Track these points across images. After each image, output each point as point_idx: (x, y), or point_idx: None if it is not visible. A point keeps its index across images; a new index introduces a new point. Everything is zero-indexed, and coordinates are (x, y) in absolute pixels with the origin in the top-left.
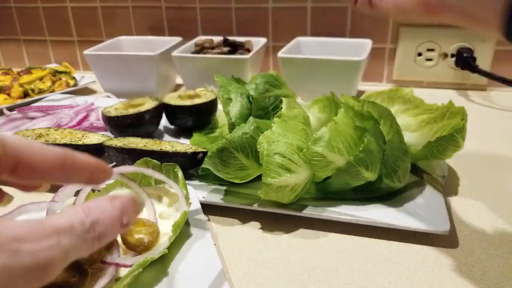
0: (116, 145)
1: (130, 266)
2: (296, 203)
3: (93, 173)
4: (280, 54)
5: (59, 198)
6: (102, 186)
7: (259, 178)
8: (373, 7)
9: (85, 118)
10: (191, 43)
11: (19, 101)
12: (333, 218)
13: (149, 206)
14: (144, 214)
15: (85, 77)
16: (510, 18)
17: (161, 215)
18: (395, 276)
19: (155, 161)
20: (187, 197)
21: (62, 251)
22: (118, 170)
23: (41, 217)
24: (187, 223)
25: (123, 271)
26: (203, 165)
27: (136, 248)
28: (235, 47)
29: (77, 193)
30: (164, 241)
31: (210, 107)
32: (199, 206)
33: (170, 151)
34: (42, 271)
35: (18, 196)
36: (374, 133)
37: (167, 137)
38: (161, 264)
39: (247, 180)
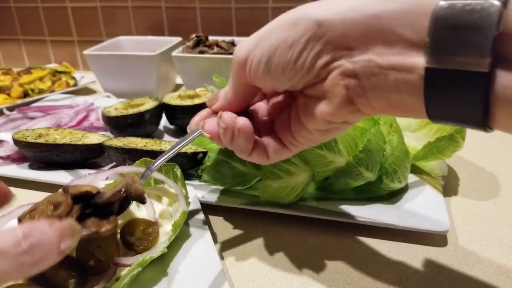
0: (116, 145)
1: (130, 265)
2: (297, 203)
3: None
4: None
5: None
6: (103, 185)
7: (259, 178)
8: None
9: (85, 118)
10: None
11: (19, 101)
12: (333, 218)
13: (148, 206)
14: (144, 214)
15: (85, 77)
16: (428, 101)
17: (161, 214)
18: (395, 276)
19: (153, 160)
20: (186, 197)
21: None
22: (118, 171)
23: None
24: (186, 223)
25: (122, 271)
26: (202, 179)
27: (136, 248)
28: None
29: None
30: (163, 240)
31: None
32: (199, 206)
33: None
34: None
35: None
36: (374, 133)
37: (167, 137)
38: (161, 264)
39: (248, 185)
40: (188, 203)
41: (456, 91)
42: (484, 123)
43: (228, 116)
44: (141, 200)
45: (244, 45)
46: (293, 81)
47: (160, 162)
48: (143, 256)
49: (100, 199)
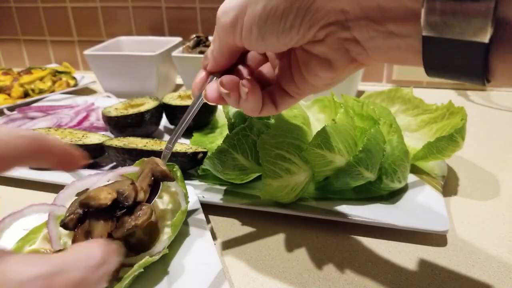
0: (116, 145)
1: (132, 266)
2: (296, 203)
3: (64, 157)
4: None
5: (60, 201)
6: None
7: (259, 178)
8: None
9: (86, 118)
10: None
11: (20, 101)
12: (333, 218)
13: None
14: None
15: (85, 77)
16: (426, 61)
17: (161, 214)
18: (395, 276)
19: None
20: (186, 196)
21: None
22: (119, 172)
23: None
24: (187, 223)
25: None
26: (203, 166)
27: (137, 248)
28: None
29: (78, 194)
30: (164, 239)
31: (210, 107)
32: (199, 206)
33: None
34: None
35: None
36: (374, 133)
37: (167, 137)
38: (161, 264)
39: (247, 181)
40: (187, 203)
41: (456, 49)
42: (483, 79)
43: (228, 80)
44: (170, 179)
45: (228, 9)
46: (289, 45)
47: (176, 137)
48: (145, 257)
49: (128, 198)
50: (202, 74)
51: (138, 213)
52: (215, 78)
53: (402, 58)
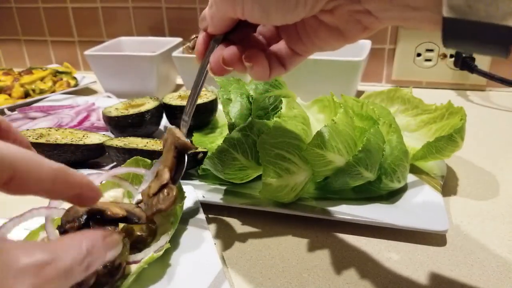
0: (116, 145)
1: (139, 261)
2: (296, 203)
3: (83, 193)
4: None
5: (54, 203)
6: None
7: (259, 178)
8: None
9: (86, 118)
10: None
11: (20, 101)
12: (333, 218)
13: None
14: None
15: (86, 77)
16: (444, 33)
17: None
18: (395, 276)
19: (145, 159)
20: (181, 191)
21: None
22: (111, 173)
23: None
24: (187, 223)
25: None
26: (203, 165)
27: (137, 245)
28: None
29: None
30: (164, 235)
31: (210, 107)
32: (199, 206)
33: None
34: None
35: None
36: (373, 133)
37: None
38: (161, 263)
39: (247, 180)
40: (183, 197)
41: (481, 30)
42: (508, 50)
43: (229, 54)
44: (189, 149)
45: None
46: (296, 20)
47: (191, 107)
48: (150, 253)
49: (140, 219)
50: (201, 36)
51: (162, 196)
52: (216, 44)
53: (420, 26)
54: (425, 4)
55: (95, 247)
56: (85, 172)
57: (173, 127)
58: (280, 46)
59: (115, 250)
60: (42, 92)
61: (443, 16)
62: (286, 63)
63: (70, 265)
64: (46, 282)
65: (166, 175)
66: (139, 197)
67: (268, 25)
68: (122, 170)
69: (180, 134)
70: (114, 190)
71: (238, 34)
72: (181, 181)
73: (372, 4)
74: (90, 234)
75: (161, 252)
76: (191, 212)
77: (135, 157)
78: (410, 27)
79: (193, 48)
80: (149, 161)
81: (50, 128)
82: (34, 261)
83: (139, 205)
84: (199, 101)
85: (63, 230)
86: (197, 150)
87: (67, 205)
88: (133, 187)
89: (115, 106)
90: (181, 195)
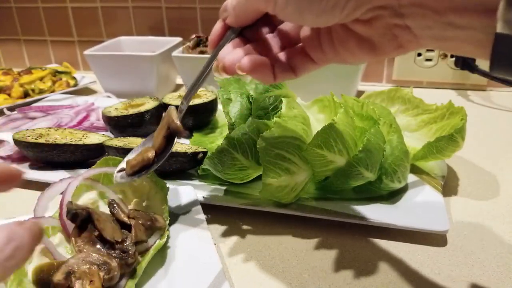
0: (116, 145)
1: (150, 247)
2: (296, 203)
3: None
4: None
5: (39, 213)
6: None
7: (259, 178)
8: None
9: (86, 118)
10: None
11: (20, 101)
12: (333, 218)
13: (118, 203)
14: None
15: (85, 77)
16: (495, 54)
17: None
18: (395, 276)
19: (116, 158)
20: (157, 182)
21: None
22: (85, 176)
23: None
24: (187, 223)
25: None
26: (203, 165)
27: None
28: None
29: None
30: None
31: (210, 107)
32: (199, 206)
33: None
34: None
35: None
36: (373, 133)
37: None
38: (161, 264)
39: (247, 180)
40: (165, 188)
41: None
42: None
43: (249, 59)
44: (181, 134)
45: None
46: (329, 23)
47: (192, 92)
48: (155, 241)
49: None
50: (219, 26)
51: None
52: (233, 35)
53: (460, 48)
54: (472, 23)
55: (14, 231)
56: (67, 175)
57: (173, 107)
58: (295, 51)
59: (38, 235)
60: (41, 92)
61: (496, 32)
62: (297, 69)
63: None
64: None
65: (150, 155)
66: (122, 165)
67: (294, 25)
68: (94, 171)
69: (175, 116)
70: (89, 193)
71: (255, 31)
72: (181, 181)
73: (415, 21)
74: (2, 224)
75: (164, 239)
76: (191, 212)
77: (105, 157)
78: (449, 51)
79: (193, 47)
80: (119, 158)
81: (50, 128)
82: None
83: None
84: (199, 101)
85: (71, 215)
86: (197, 150)
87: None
88: (106, 187)
89: (115, 106)
90: (161, 185)
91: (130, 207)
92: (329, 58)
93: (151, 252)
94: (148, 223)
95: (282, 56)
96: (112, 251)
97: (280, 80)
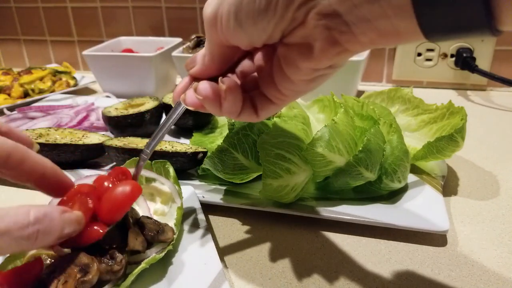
0: (116, 145)
1: (138, 263)
2: (296, 203)
3: (47, 180)
4: None
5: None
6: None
7: (259, 178)
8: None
9: (86, 118)
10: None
11: (20, 101)
12: (333, 218)
13: (142, 204)
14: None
15: (85, 77)
16: (421, 17)
17: (156, 212)
18: (395, 276)
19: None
20: (179, 193)
21: None
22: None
23: None
24: (187, 223)
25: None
26: (203, 165)
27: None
28: None
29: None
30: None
31: None
32: (199, 206)
33: (170, 151)
34: None
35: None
36: (374, 133)
37: (167, 137)
38: (161, 263)
39: (247, 180)
40: (181, 198)
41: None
42: (490, 25)
43: (203, 86)
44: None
45: (210, 1)
46: (268, 31)
47: (154, 144)
48: (151, 254)
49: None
50: (185, 80)
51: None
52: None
53: (394, 29)
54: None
55: (47, 216)
56: (85, 172)
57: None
58: (255, 93)
59: (73, 227)
60: (41, 92)
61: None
62: (259, 109)
63: (5, 226)
64: None
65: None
66: None
67: (247, 47)
68: (85, 180)
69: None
70: None
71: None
72: (181, 181)
73: (340, 3)
74: (44, 206)
75: (162, 254)
76: (191, 212)
77: (133, 158)
78: (387, 38)
79: (193, 48)
80: (148, 161)
81: (50, 128)
82: None
83: None
84: None
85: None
86: (197, 150)
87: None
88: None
89: (115, 106)
90: (180, 198)
91: (152, 210)
92: (282, 91)
93: (142, 265)
94: (151, 234)
95: (245, 96)
96: (101, 256)
97: (243, 116)
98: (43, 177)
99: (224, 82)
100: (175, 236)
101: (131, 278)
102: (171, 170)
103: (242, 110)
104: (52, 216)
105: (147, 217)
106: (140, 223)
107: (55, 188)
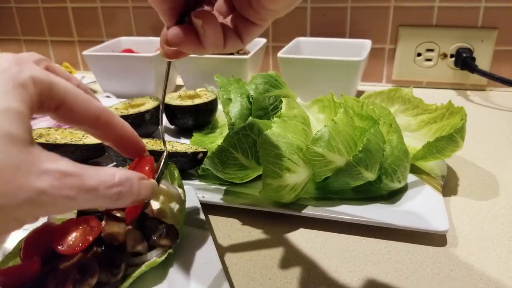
0: None
1: (138, 265)
2: (296, 203)
3: (125, 141)
4: (280, 54)
5: None
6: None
7: (259, 178)
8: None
9: None
10: None
11: None
12: (333, 218)
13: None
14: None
15: (85, 77)
16: None
17: (158, 212)
18: (395, 276)
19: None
20: (184, 196)
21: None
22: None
23: None
24: (187, 223)
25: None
26: (203, 165)
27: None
28: None
29: None
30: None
31: (210, 107)
32: (199, 206)
33: (170, 151)
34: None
35: None
36: (373, 133)
37: (167, 137)
38: (161, 264)
39: (247, 180)
40: (184, 201)
41: None
42: None
43: (174, 32)
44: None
45: None
46: None
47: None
48: (152, 257)
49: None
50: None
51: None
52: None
53: None
54: None
55: (128, 180)
56: None
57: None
58: (234, 18)
59: (148, 193)
60: None
61: None
62: (242, 35)
63: (95, 184)
64: (65, 188)
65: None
66: None
67: None
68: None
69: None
70: None
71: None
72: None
73: None
74: (125, 171)
75: (163, 257)
76: (191, 212)
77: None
78: None
79: None
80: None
81: (50, 128)
82: (56, 168)
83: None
84: (199, 101)
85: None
86: (197, 150)
87: None
88: None
89: (115, 106)
90: (183, 197)
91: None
92: (263, 14)
93: (143, 268)
94: (154, 238)
95: (228, 23)
96: (104, 257)
97: (229, 46)
98: (122, 138)
99: (198, 16)
100: (178, 241)
101: (130, 280)
102: (177, 173)
103: (226, 40)
104: (132, 181)
105: (154, 219)
106: (145, 225)
107: (131, 149)
